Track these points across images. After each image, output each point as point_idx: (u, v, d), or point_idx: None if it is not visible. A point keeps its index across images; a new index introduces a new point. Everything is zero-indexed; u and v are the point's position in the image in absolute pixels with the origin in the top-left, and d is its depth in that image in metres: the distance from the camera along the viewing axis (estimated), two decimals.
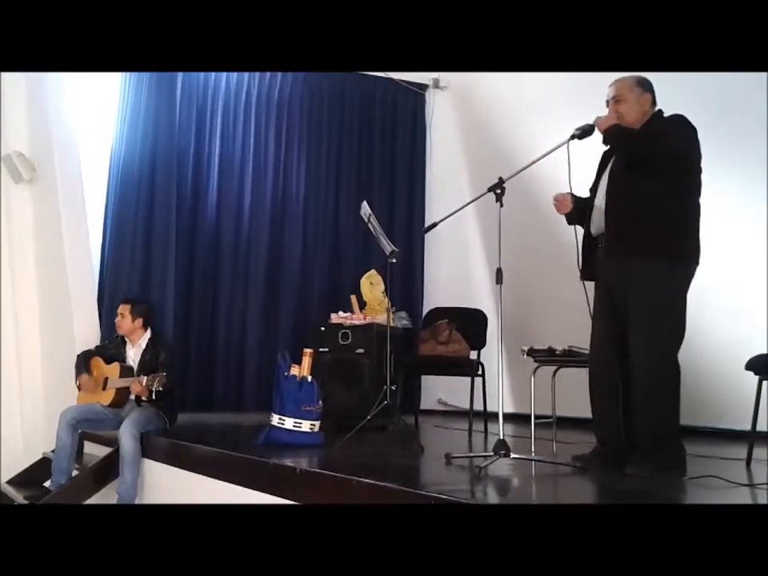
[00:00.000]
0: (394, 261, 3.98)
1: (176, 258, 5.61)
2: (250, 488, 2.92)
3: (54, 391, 5.03)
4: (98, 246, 5.57)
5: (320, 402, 3.60)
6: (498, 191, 2.96)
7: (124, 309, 4.21)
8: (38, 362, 5.38)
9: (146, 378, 3.88)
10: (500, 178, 2.97)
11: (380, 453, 3.50)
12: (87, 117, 5.51)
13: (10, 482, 4.31)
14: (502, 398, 2.85)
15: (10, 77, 5.34)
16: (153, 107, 5.61)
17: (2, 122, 5.40)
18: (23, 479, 4.34)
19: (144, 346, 4.17)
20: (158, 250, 5.57)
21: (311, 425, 3.50)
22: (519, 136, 5.43)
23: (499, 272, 2.91)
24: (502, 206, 2.96)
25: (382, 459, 3.31)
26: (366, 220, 4.08)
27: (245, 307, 5.89)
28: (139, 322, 4.19)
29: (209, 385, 5.74)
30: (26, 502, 3.88)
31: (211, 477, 3.22)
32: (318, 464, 3.05)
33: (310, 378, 3.60)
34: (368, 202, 4.16)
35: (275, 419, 3.49)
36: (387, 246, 3.95)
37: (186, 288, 5.74)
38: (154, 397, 3.88)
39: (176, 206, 5.65)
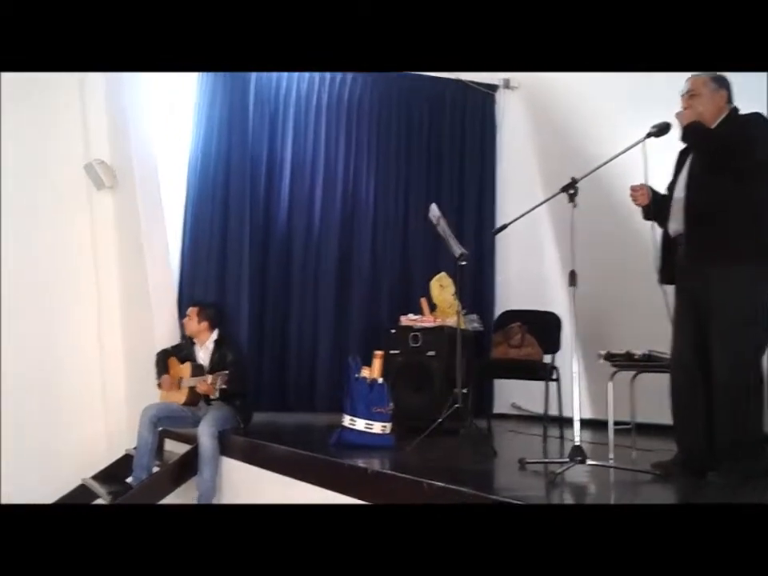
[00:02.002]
0: (464, 263, 3.94)
1: (249, 262, 5.73)
2: (323, 487, 2.95)
3: (135, 390, 5.23)
4: (177, 249, 5.73)
5: (390, 403, 3.61)
6: (571, 191, 2.90)
7: (192, 311, 4.36)
8: (120, 362, 5.61)
9: (210, 376, 4.00)
10: (573, 178, 2.91)
11: (452, 456, 3.47)
12: (164, 124, 5.69)
13: (94, 478, 4.51)
14: (578, 403, 2.78)
15: (90, 86, 5.60)
16: (226, 113, 5.75)
17: (85, 131, 5.66)
18: (106, 475, 4.52)
19: (211, 348, 4.30)
20: (233, 253, 5.71)
21: (382, 426, 3.52)
22: (592, 135, 5.30)
23: (573, 274, 2.85)
24: (575, 206, 2.90)
25: (454, 463, 3.28)
26: (436, 222, 4.06)
27: (316, 310, 5.95)
28: (205, 324, 4.32)
29: (282, 386, 5.83)
30: (109, 497, 4.04)
31: (286, 475, 3.28)
32: (389, 466, 3.05)
33: (380, 380, 3.62)
34: (437, 204, 4.15)
35: (347, 420, 3.52)
36: (457, 249, 3.91)
37: (260, 291, 5.85)
38: (218, 395, 4.01)
39: (249, 210, 5.77)
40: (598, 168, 2.99)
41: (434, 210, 4.08)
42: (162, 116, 5.68)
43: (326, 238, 6.04)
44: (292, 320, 5.91)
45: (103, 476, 4.51)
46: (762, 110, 2.84)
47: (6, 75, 4.70)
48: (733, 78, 2.89)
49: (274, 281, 5.93)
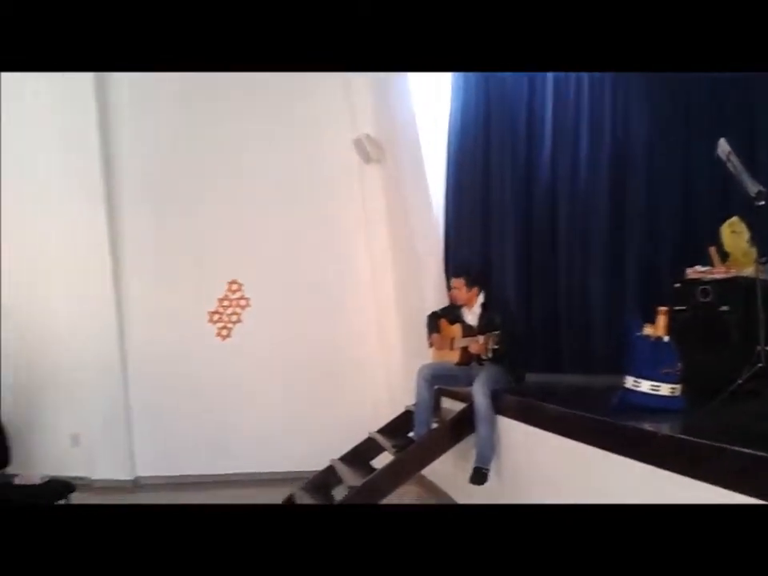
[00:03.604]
0: (763, 203, 3.42)
1: (514, 223, 5.64)
2: (606, 450, 2.79)
3: (410, 349, 5.48)
4: (441, 215, 5.84)
5: (679, 363, 3.28)
6: None
7: (458, 282, 4.37)
8: (395, 324, 5.92)
9: (482, 337, 4.03)
10: None
11: (755, 421, 3.05)
12: (423, 95, 5.78)
13: (380, 432, 4.81)
14: None
15: None
16: (482, 78, 5.67)
17: (352, 108, 5.98)
18: (391, 429, 4.80)
19: (479, 311, 4.30)
20: (496, 216, 5.67)
21: (671, 388, 3.21)
22: None
23: None
24: None
25: (760, 427, 2.88)
26: (725, 159, 3.59)
27: (586, 267, 5.67)
28: (474, 290, 4.33)
29: (555, 346, 5.67)
30: (393, 449, 4.28)
31: (565, 436, 3.16)
32: (682, 429, 2.78)
33: (666, 338, 3.31)
34: (725, 139, 3.65)
35: (629, 382, 3.28)
36: (753, 187, 3.42)
37: (525, 252, 5.73)
38: (489, 355, 4.01)
39: (510, 173, 5.67)
40: None
41: (723, 146, 3.60)
42: (421, 87, 5.77)
43: (594, 188, 5.70)
44: (560, 278, 5.70)
45: (388, 430, 4.80)
46: None
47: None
48: None
49: (539, 240, 5.76)
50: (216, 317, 6.12)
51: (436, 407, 4.59)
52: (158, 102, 5.99)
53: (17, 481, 4.18)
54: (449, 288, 4.69)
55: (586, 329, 5.63)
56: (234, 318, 6.13)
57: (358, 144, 5.83)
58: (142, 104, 5.97)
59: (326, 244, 6.15)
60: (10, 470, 4.45)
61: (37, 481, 4.18)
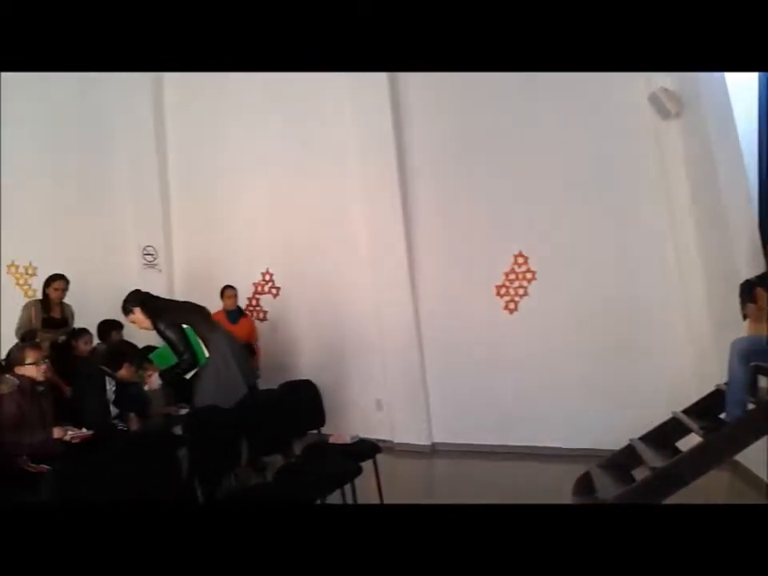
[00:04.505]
0: None
1: None
2: None
3: (719, 321, 4.95)
4: (753, 172, 5.14)
5: None
6: None
7: None
8: (701, 293, 5.37)
9: None
10: None
11: None
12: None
13: (685, 412, 4.41)
14: None
15: None
16: None
17: None
18: (699, 409, 4.36)
19: None
20: None
21: None
22: None
23: None
24: None
25: None
26: None
27: None
28: None
29: None
30: (701, 431, 3.89)
31: None
32: None
33: None
34: None
35: None
36: None
37: None
38: None
39: None
40: None
41: None
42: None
43: None
44: None
45: (695, 410, 4.38)
46: None
47: None
48: None
49: None
50: (503, 290, 6.16)
51: (752, 386, 4.06)
52: (443, 101, 6.25)
53: (331, 440, 4.64)
54: (766, 254, 4.12)
55: None
56: (521, 291, 6.11)
57: (654, 99, 5.39)
58: (431, 101, 6.29)
59: (616, 209, 5.78)
60: (324, 430, 4.95)
61: (348, 440, 4.60)
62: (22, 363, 3.97)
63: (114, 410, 4.36)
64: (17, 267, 6.64)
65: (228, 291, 6.29)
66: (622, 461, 4.39)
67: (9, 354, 4.21)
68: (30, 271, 6.65)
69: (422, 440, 6.30)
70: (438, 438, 6.34)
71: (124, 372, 4.48)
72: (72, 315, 5.65)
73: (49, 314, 5.49)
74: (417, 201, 6.39)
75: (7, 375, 3.97)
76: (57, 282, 5.53)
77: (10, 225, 6.33)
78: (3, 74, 5.60)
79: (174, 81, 7.28)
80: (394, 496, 4.48)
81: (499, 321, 6.14)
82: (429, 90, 6.25)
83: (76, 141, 6.96)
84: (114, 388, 4.40)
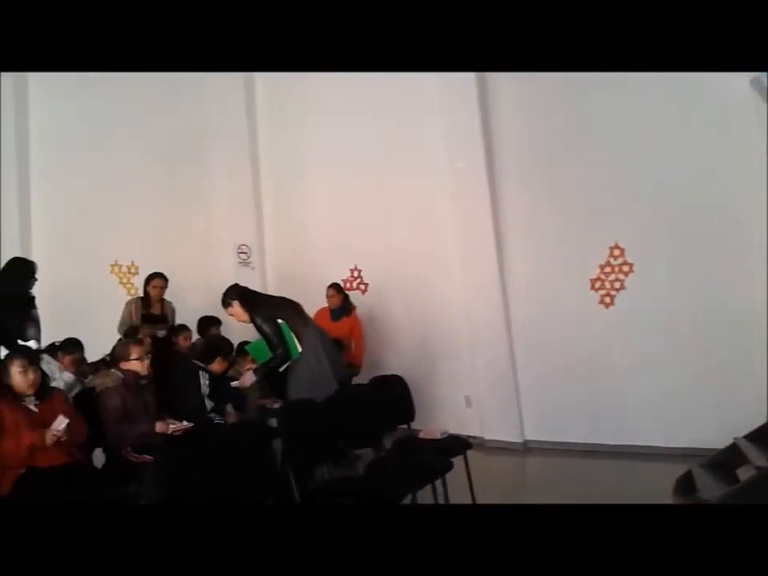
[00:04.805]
0: None
1: None
2: None
3: None
4: None
5: None
6: None
7: None
8: None
9: None
10: None
11: None
12: None
13: None
14: None
15: None
16: None
17: None
18: None
19: None
20: None
21: None
22: None
23: None
24: None
25: None
26: None
27: None
28: None
29: None
30: None
31: None
32: None
33: None
34: None
35: None
36: None
37: None
38: None
39: None
40: None
41: None
42: None
43: None
44: None
45: None
46: None
47: None
48: None
49: None
50: (598, 284, 5.96)
51: None
52: (532, 99, 6.14)
53: (421, 435, 4.63)
54: None
55: None
56: (618, 284, 5.89)
57: (756, 82, 5.05)
58: (520, 100, 6.19)
59: (715, 195, 5.45)
60: (413, 426, 4.94)
61: (438, 436, 4.58)
62: (126, 359, 4.17)
63: (209, 404, 4.51)
64: (120, 267, 6.98)
65: (329, 291, 6.43)
66: (725, 460, 4.18)
67: (114, 350, 4.42)
68: (132, 270, 6.98)
69: (513, 437, 6.19)
70: (531, 435, 6.22)
71: (216, 366, 4.61)
72: (173, 312, 5.90)
73: (149, 310, 5.75)
74: (506, 196, 6.28)
75: (112, 370, 4.19)
76: (155, 279, 5.79)
77: (114, 227, 6.70)
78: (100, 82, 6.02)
79: (264, 80, 7.46)
80: (486, 493, 4.42)
81: (594, 315, 5.94)
82: (518, 88, 6.12)
83: (173, 145, 7.25)
84: (207, 382, 4.56)
